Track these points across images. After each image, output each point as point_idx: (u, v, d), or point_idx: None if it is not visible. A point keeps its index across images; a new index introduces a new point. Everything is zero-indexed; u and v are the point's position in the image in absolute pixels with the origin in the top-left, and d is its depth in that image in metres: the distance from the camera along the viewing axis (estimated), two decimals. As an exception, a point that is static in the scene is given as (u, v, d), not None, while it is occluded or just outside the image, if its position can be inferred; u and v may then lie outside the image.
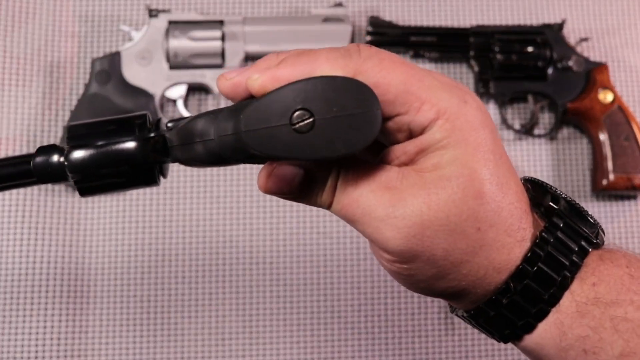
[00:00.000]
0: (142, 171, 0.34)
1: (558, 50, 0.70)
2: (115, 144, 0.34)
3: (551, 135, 0.71)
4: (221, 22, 0.69)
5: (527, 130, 0.71)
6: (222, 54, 0.68)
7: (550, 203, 0.33)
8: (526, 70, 0.69)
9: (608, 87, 0.69)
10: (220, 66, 0.68)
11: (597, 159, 0.69)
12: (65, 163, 0.33)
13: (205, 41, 0.68)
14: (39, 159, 0.34)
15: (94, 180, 0.34)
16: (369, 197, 0.30)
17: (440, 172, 0.30)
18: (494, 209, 0.30)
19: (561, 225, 0.32)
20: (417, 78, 0.30)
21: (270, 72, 0.30)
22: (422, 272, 0.31)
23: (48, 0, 0.72)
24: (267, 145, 0.29)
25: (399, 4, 0.74)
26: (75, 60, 0.71)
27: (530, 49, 0.69)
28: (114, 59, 0.68)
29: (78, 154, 0.33)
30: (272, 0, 0.74)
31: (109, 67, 0.67)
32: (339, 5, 0.71)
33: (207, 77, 0.68)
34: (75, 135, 0.34)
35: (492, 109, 0.72)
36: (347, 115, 0.29)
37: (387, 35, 0.71)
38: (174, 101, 0.70)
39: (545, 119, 0.72)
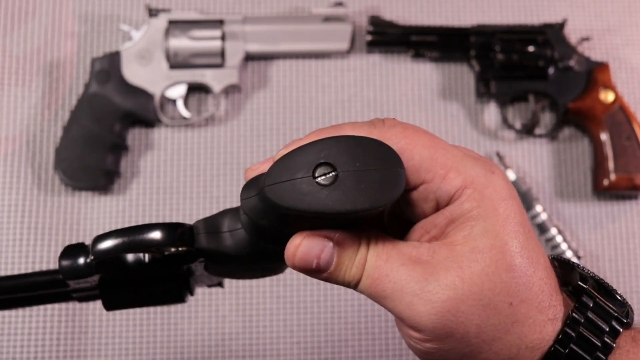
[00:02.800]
0: (170, 282, 0.34)
1: (559, 50, 0.70)
2: (141, 233, 0.33)
3: (552, 135, 0.71)
4: (221, 22, 0.69)
5: (528, 130, 0.71)
6: (222, 54, 0.68)
7: (579, 282, 0.32)
8: (527, 70, 0.69)
9: (609, 86, 0.69)
10: (220, 65, 0.68)
11: (598, 158, 0.69)
12: (91, 256, 0.33)
13: (205, 41, 0.68)
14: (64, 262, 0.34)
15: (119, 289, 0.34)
16: (400, 271, 0.29)
17: (472, 244, 0.29)
18: (525, 284, 0.29)
19: (591, 305, 0.31)
20: (442, 147, 0.30)
21: (295, 143, 0.31)
22: (454, 352, 0.30)
23: (48, 0, 0.72)
24: (290, 198, 0.28)
25: (400, 3, 0.74)
26: (75, 59, 0.71)
27: (531, 48, 0.69)
28: (114, 58, 0.68)
29: (103, 244, 0.33)
30: (273, -1, 0.74)
31: (108, 67, 0.67)
32: (339, 4, 0.71)
33: (207, 76, 0.68)
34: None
35: (493, 108, 0.72)
36: (370, 171, 0.28)
37: (387, 35, 0.71)
38: (174, 101, 0.70)
39: (546, 118, 0.72)
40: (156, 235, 0.33)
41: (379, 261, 0.30)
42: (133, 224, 0.67)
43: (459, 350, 0.30)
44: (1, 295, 0.37)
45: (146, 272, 0.34)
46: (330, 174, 0.28)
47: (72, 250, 0.34)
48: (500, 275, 0.29)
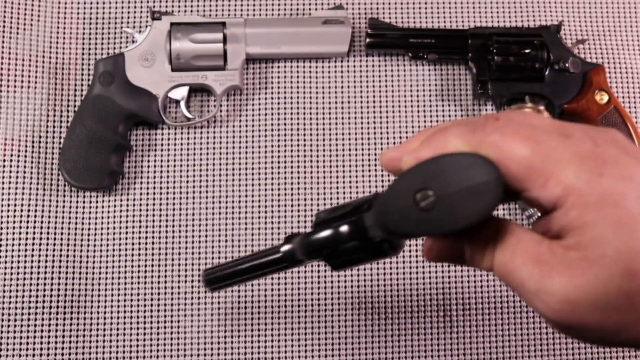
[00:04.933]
0: (368, 248, 0.39)
1: (555, 52, 0.70)
2: (337, 226, 0.39)
3: (548, 135, 0.72)
4: (223, 24, 0.69)
5: (524, 131, 0.71)
6: (224, 56, 0.69)
7: None
8: (524, 72, 0.70)
9: (604, 88, 0.70)
10: (221, 68, 0.69)
11: (593, 159, 0.69)
12: (305, 243, 0.40)
13: (207, 43, 0.68)
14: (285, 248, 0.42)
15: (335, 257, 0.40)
16: (521, 270, 0.30)
17: (582, 252, 0.29)
18: None
19: None
20: (544, 152, 0.30)
21: (414, 155, 0.33)
22: (583, 334, 0.31)
23: (53, 3, 0.73)
24: (401, 226, 0.33)
25: (398, 6, 0.75)
26: (80, 62, 0.72)
27: (527, 50, 0.69)
28: (118, 60, 0.68)
29: (312, 238, 0.40)
30: (273, 2, 0.75)
31: (112, 69, 0.68)
32: (339, 7, 0.71)
33: (208, 78, 0.69)
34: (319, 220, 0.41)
35: (490, 110, 0.73)
36: (467, 188, 0.31)
37: (386, 37, 0.71)
38: (177, 102, 0.71)
39: (543, 119, 0.73)
40: (345, 228, 0.39)
41: (504, 259, 0.31)
42: (136, 223, 0.68)
43: (584, 335, 0.31)
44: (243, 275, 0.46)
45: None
46: (430, 199, 0.31)
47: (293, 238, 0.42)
48: (615, 281, 0.28)
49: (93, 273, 0.67)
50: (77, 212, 0.68)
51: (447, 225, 0.31)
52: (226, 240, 0.69)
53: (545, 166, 0.29)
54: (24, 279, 0.66)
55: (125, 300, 0.67)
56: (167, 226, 0.69)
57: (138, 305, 0.67)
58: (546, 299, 0.30)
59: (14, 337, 0.65)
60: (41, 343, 0.65)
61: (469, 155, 0.31)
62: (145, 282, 0.67)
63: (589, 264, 0.29)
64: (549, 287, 0.29)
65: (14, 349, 0.65)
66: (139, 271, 0.68)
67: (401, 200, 0.32)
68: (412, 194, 0.32)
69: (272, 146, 0.71)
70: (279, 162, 0.71)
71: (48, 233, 0.67)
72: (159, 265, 0.68)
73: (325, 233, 0.39)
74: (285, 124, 0.71)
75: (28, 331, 0.65)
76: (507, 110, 0.32)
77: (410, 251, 0.69)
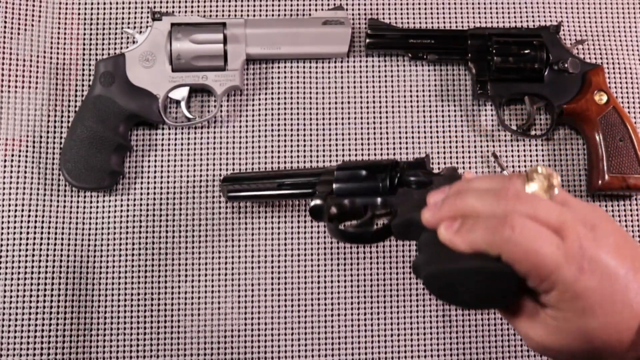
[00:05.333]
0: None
1: (554, 53, 0.70)
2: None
3: (547, 136, 0.72)
4: (223, 25, 0.69)
5: (523, 131, 0.72)
6: (224, 56, 0.69)
7: None
8: (523, 72, 0.70)
9: (603, 88, 0.70)
10: (222, 68, 0.69)
11: (593, 159, 0.69)
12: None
13: (208, 44, 0.68)
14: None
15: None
16: (520, 325, 0.45)
17: (556, 323, 0.42)
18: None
19: None
20: (545, 262, 0.40)
21: (453, 236, 0.43)
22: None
23: (54, 4, 0.73)
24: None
25: (398, 6, 0.75)
26: (81, 62, 0.72)
27: (527, 51, 0.69)
28: (118, 61, 0.68)
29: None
30: (273, 2, 0.75)
31: (113, 69, 0.68)
32: (339, 8, 0.72)
33: (209, 78, 0.69)
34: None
35: (489, 110, 0.73)
36: (488, 295, 0.43)
37: (386, 37, 0.71)
38: (177, 102, 0.71)
39: (542, 120, 0.73)
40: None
41: (511, 316, 0.46)
42: (137, 223, 0.68)
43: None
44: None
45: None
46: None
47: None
48: (576, 344, 0.42)
49: (94, 273, 0.67)
50: (77, 212, 0.68)
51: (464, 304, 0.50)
52: (226, 240, 0.69)
53: (544, 271, 0.40)
54: (25, 278, 0.66)
55: (125, 300, 0.67)
56: (167, 226, 0.69)
57: (138, 305, 0.67)
58: (528, 340, 0.44)
59: (15, 337, 0.65)
60: (42, 343, 0.65)
61: (488, 271, 0.41)
62: (145, 282, 0.67)
63: (559, 330, 0.42)
64: (531, 334, 0.44)
65: (14, 349, 0.65)
66: (139, 271, 0.68)
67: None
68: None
69: (272, 146, 0.71)
70: (279, 162, 0.71)
71: (49, 233, 0.67)
72: (159, 265, 0.68)
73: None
74: (285, 124, 0.72)
75: (29, 330, 0.65)
76: (520, 196, 0.43)
77: (410, 252, 0.69)
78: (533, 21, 0.75)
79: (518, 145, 0.72)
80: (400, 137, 0.72)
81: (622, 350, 0.41)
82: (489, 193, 0.42)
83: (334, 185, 0.59)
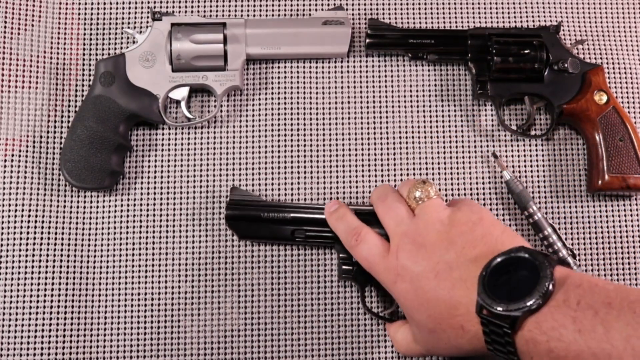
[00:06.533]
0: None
1: (554, 53, 0.70)
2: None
3: (547, 136, 0.72)
4: (223, 25, 0.69)
5: (523, 131, 0.72)
6: (224, 56, 0.69)
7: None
8: (523, 72, 0.70)
9: (603, 88, 0.70)
10: (222, 68, 0.69)
11: (593, 159, 0.69)
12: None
13: (208, 44, 0.68)
14: None
15: None
16: (391, 329, 0.64)
17: (408, 324, 0.59)
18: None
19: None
20: (371, 262, 0.58)
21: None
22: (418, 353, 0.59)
23: (54, 4, 0.73)
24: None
25: (398, 6, 0.75)
26: (80, 62, 0.72)
27: (526, 51, 0.69)
28: (119, 61, 0.68)
29: None
30: (273, 2, 0.75)
31: (113, 69, 0.68)
32: (339, 8, 0.72)
33: (209, 79, 0.69)
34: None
35: (489, 110, 0.73)
36: None
37: (386, 37, 0.71)
38: (177, 102, 0.71)
39: (542, 120, 0.73)
40: None
41: (389, 327, 0.66)
42: (137, 223, 0.68)
43: (418, 354, 0.60)
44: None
45: None
46: None
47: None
48: (425, 335, 0.55)
49: (94, 273, 0.67)
50: (77, 212, 0.68)
51: None
52: (226, 240, 0.69)
53: (375, 275, 0.58)
54: (25, 278, 0.66)
55: (125, 300, 0.67)
56: (167, 226, 0.69)
57: (138, 305, 0.67)
58: (395, 343, 0.61)
59: (15, 337, 0.65)
60: (42, 343, 0.65)
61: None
62: (145, 282, 0.68)
63: (411, 328, 0.57)
64: (397, 336, 0.61)
65: (14, 349, 0.65)
66: (139, 271, 0.68)
67: None
68: None
69: (272, 146, 0.71)
70: (279, 162, 0.71)
71: (49, 233, 0.67)
72: (159, 265, 0.68)
73: None
74: (285, 124, 0.72)
75: (29, 330, 0.65)
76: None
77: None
78: (533, 21, 0.76)
79: (518, 145, 0.72)
80: (400, 137, 0.72)
81: (464, 340, 0.50)
82: (346, 233, 0.61)
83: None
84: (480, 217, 0.55)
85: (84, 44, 0.72)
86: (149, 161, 0.70)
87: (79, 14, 0.73)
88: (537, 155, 0.72)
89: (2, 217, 0.67)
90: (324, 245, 0.68)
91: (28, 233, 0.67)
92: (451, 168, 0.71)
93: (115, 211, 0.69)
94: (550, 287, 0.45)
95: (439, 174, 0.71)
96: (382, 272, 0.56)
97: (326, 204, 0.64)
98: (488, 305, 0.46)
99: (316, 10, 0.74)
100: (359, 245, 0.58)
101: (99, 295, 0.67)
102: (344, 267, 0.64)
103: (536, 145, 0.72)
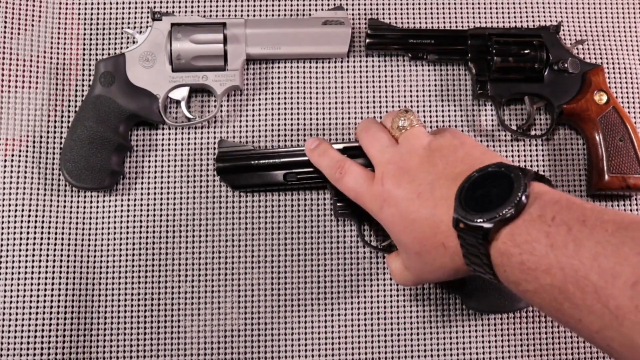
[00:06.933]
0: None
1: (554, 53, 0.70)
2: None
3: (547, 136, 0.72)
4: (223, 25, 0.69)
5: (523, 131, 0.72)
6: (224, 56, 0.69)
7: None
8: (523, 72, 0.70)
9: (603, 88, 0.70)
10: (222, 68, 0.69)
11: (593, 159, 0.70)
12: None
13: (208, 44, 0.68)
14: None
15: None
16: (390, 259, 0.62)
17: (398, 251, 0.60)
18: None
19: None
20: (356, 191, 0.59)
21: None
22: (411, 280, 0.60)
23: (54, 4, 0.73)
24: None
25: (398, 7, 0.75)
26: (80, 62, 0.72)
27: (526, 51, 0.69)
28: (119, 61, 0.68)
29: None
30: (273, 2, 0.75)
31: (113, 69, 0.68)
32: (339, 8, 0.72)
33: (209, 79, 0.69)
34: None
35: (489, 110, 0.73)
36: None
37: (386, 38, 0.71)
38: (177, 102, 0.71)
39: (542, 120, 0.73)
40: None
41: (388, 258, 0.64)
42: (137, 223, 0.68)
43: (412, 281, 0.60)
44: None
45: None
46: None
47: None
48: (413, 258, 0.55)
49: (94, 273, 0.67)
50: (77, 212, 0.68)
51: None
52: (226, 240, 0.69)
53: (360, 203, 0.59)
54: (25, 279, 0.66)
55: (125, 300, 0.67)
56: (167, 226, 0.69)
57: (138, 305, 0.67)
58: (391, 271, 0.61)
59: (15, 337, 0.65)
60: (42, 343, 0.65)
61: None
62: (145, 282, 0.68)
63: (401, 255, 0.58)
64: (392, 266, 0.61)
65: (14, 349, 0.65)
66: (139, 271, 0.68)
67: None
68: None
69: (272, 146, 0.71)
70: (279, 162, 0.71)
71: (49, 233, 0.67)
72: (159, 265, 0.68)
73: None
74: (285, 124, 0.72)
75: (29, 330, 0.65)
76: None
77: (410, 251, 0.69)
78: (533, 21, 0.76)
79: (518, 145, 0.72)
80: (400, 137, 0.72)
81: (446, 259, 0.51)
82: (329, 167, 0.61)
83: None
84: (462, 141, 0.55)
85: (84, 44, 0.72)
86: (149, 161, 0.70)
87: (79, 14, 0.73)
88: (537, 155, 0.72)
89: (2, 217, 0.67)
90: (317, 186, 0.68)
91: (28, 233, 0.67)
92: (451, 168, 0.71)
93: (115, 211, 0.69)
94: (524, 198, 0.45)
95: (439, 174, 0.71)
96: (369, 200, 0.57)
97: (306, 142, 0.64)
98: (462, 217, 0.47)
99: (316, 10, 0.74)
100: (344, 177, 0.59)
101: (99, 295, 0.67)
102: (338, 203, 0.65)
103: (536, 145, 0.73)
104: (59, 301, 0.66)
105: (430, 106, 0.73)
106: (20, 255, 0.67)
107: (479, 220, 0.46)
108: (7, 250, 0.67)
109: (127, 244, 0.68)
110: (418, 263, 0.55)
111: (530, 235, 0.44)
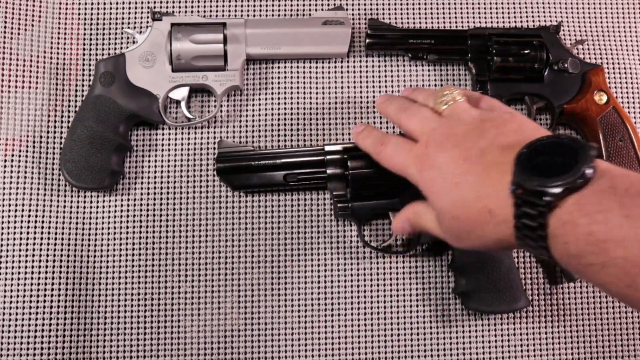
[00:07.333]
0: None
1: (554, 53, 0.70)
2: None
3: (547, 136, 0.72)
4: (223, 25, 0.69)
5: (524, 131, 0.72)
6: (224, 56, 0.69)
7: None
8: (523, 72, 0.70)
9: (603, 88, 0.70)
10: (222, 68, 0.69)
11: (593, 159, 0.69)
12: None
13: (208, 44, 0.68)
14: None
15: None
16: (423, 221, 0.59)
17: (435, 211, 0.54)
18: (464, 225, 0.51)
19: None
20: (395, 161, 0.57)
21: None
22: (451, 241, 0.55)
23: (54, 4, 0.73)
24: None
25: (398, 7, 0.75)
26: (80, 62, 0.72)
27: (526, 51, 0.69)
28: (119, 61, 0.68)
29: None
30: (273, 2, 0.75)
31: (113, 69, 0.68)
32: (339, 8, 0.72)
33: (209, 78, 0.69)
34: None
35: (489, 110, 0.73)
36: None
37: (386, 38, 0.72)
38: (177, 102, 0.71)
39: (542, 120, 0.73)
40: None
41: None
42: (137, 223, 0.68)
43: (450, 241, 0.55)
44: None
45: None
46: None
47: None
48: (449, 222, 0.52)
49: (94, 273, 0.67)
50: (77, 212, 0.68)
51: None
52: (226, 240, 0.69)
53: (399, 170, 0.56)
54: (25, 278, 0.66)
55: (125, 300, 0.67)
56: (167, 226, 0.69)
57: (138, 305, 0.67)
58: (419, 218, 0.58)
59: (15, 337, 0.65)
60: (42, 343, 0.65)
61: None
62: (145, 282, 0.68)
63: (437, 216, 0.54)
64: (429, 226, 0.57)
65: (14, 349, 0.65)
66: (139, 271, 0.68)
67: None
68: None
69: (272, 146, 0.71)
70: (279, 162, 0.71)
71: (49, 233, 0.67)
72: (159, 265, 0.68)
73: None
74: (285, 124, 0.72)
75: (29, 330, 0.65)
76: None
77: (409, 253, 0.69)
78: (533, 21, 0.76)
79: (518, 145, 0.72)
80: (400, 137, 0.72)
81: (489, 227, 0.48)
82: (373, 138, 0.60)
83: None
84: (513, 114, 0.53)
85: (84, 44, 0.72)
86: (149, 161, 0.70)
87: (79, 14, 0.73)
88: (537, 155, 0.72)
89: (2, 217, 0.67)
90: (317, 187, 0.68)
91: (28, 233, 0.67)
92: (451, 168, 0.71)
93: (115, 211, 0.69)
94: (591, 169, 0.42)
95: (439, 174, 0.71)
96: (409, 163, 0.54)
97: (353, 128, 0.63)
98: (523, 181, 0.44)
99: (316, 10, 0.74)
100: (386, 147, 0.57)
101: (99, 295, 0.67)
102: (339, 205, 0.64)
103: (536, 145, 0.72)
104: (58, 301, 0.66)
105: (430, 106, 0.73)
106: (20, 255, 0.67)
107: (545, 186, 0.42)
108: (7, 250, 0.67)
109: (127, 243, 0.68)
110: (454, 228, 0.52)
111: (602, 205, 0.41)
